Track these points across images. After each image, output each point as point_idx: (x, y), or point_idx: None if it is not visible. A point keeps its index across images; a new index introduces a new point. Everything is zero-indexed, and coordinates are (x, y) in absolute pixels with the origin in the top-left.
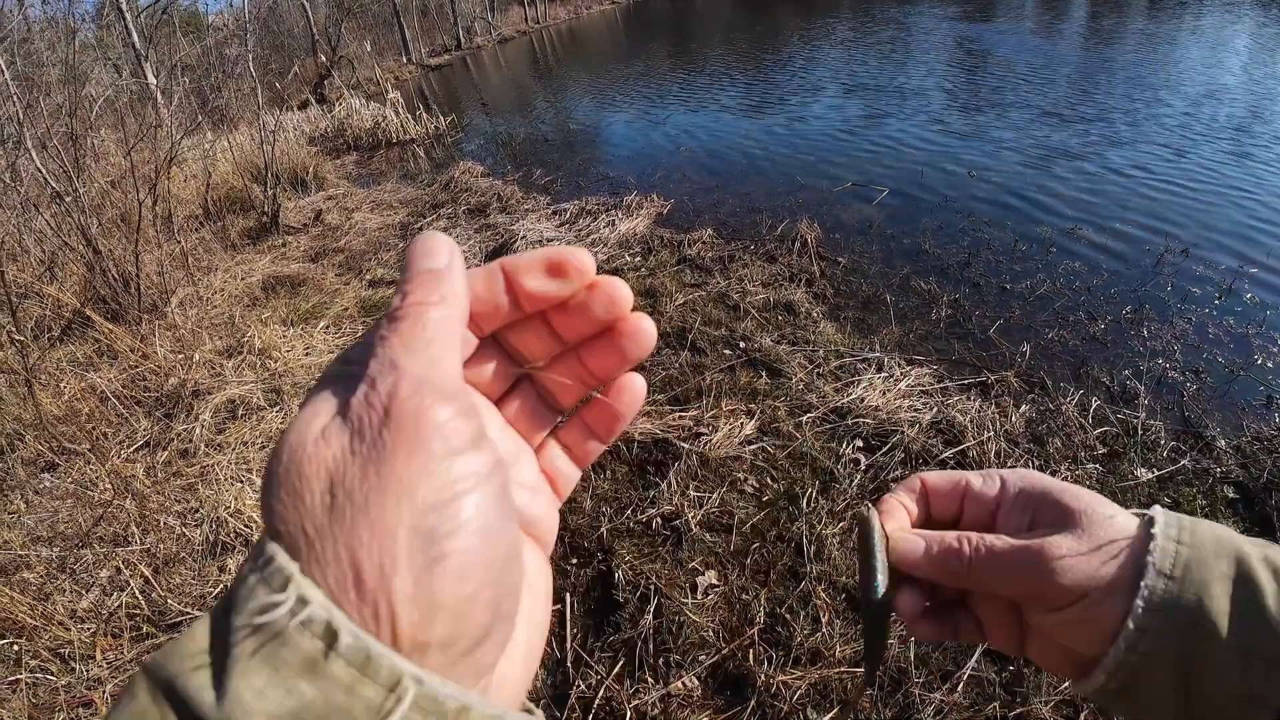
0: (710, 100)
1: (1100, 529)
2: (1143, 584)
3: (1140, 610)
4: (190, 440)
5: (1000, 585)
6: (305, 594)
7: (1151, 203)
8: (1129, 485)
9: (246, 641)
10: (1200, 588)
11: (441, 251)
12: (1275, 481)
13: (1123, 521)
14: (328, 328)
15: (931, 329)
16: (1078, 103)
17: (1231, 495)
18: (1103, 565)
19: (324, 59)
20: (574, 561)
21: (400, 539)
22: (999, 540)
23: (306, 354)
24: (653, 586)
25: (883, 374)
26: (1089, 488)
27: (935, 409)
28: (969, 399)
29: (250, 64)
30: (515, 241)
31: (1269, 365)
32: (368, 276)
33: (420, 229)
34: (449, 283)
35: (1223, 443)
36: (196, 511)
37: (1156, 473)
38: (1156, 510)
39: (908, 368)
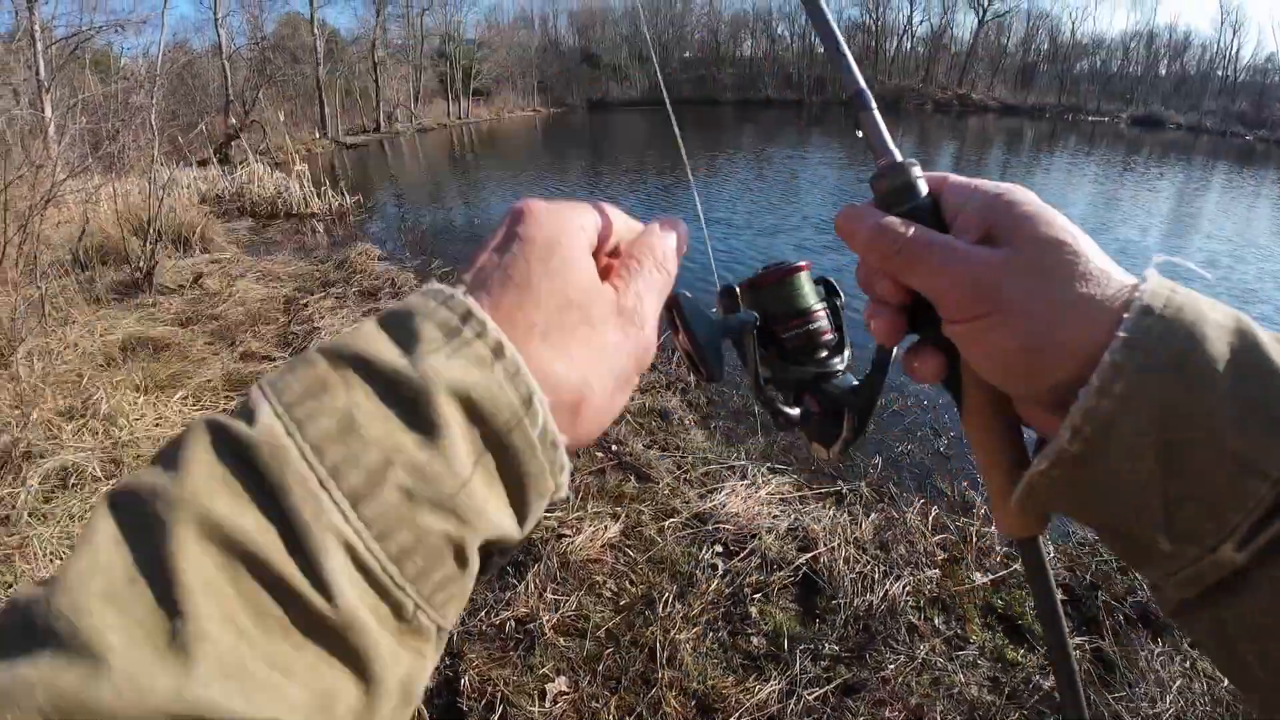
0: None
1: (1072, 260)
2: (1125, 315)
3: (1120, 344)
4: (13, 507)
5: (923, 274)
6: (485, 320)
7: None
8: (965, 589)
9: (436, 338)
10: (1193, 328)
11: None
12: (1098, 582)
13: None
14: (186, 399)
15: (794, 440)
16: None
17: (1060, 597)
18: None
19: (235, 120)
20: None
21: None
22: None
23: (157, 424)
24: (499, 694)
25: (745, 481)
26: (928, 593)
27: (793, 516)
28: (824, 507)
29: (152, 116)
30: None
31: None
32: (240, 349)
33: (305, 305)
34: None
35: (1050, 548)
36: (10, 587)
37: (990, 577)
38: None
39: (770, 476)
